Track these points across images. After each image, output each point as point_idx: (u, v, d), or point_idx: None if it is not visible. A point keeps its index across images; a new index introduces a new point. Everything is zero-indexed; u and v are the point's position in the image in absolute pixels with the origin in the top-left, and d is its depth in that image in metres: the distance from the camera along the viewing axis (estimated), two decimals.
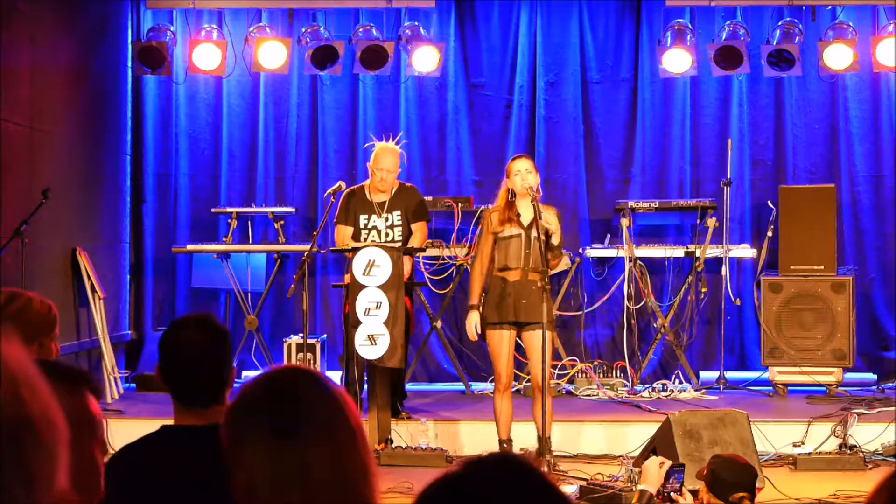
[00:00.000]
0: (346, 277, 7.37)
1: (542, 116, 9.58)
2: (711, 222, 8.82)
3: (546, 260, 6.50)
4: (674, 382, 8.75)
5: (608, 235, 9.35)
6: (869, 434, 7.24)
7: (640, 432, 7.21)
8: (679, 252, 9.05)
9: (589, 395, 8.64)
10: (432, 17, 9.51)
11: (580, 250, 9.23)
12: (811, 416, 7.56)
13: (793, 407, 8.14)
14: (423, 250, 8.06)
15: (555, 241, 6.60)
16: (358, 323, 6.96)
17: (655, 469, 4.52)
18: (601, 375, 8.89)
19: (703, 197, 9.26)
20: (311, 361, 8.35)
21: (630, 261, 8.92)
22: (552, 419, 6.63)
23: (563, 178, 9.58)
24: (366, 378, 7.32)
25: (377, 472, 1.80)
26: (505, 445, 6.78)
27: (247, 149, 9.70)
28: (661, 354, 9.30)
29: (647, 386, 8.76)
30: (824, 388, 8.56)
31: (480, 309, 6.76)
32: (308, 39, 9.22)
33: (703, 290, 8.90)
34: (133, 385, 8.89)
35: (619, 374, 8.97)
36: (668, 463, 4.58)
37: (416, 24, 9.32)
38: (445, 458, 6.93)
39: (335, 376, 8.17)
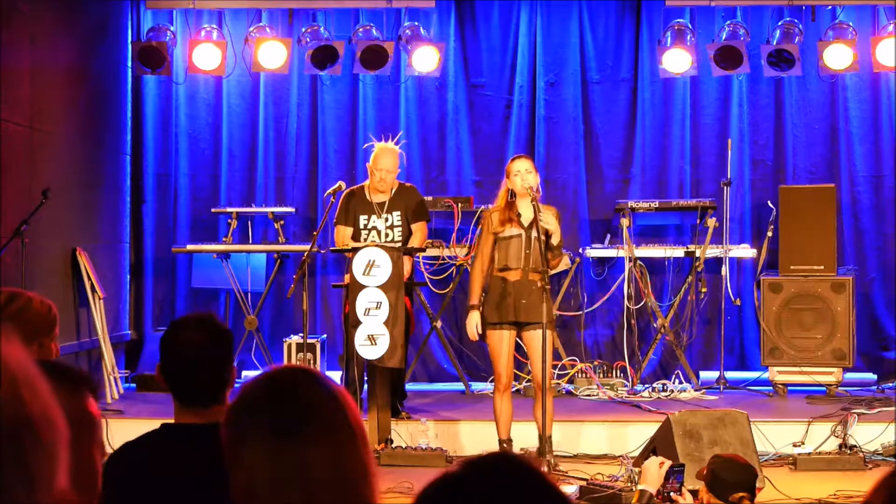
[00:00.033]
0: (346, 277, 7.37)
1: (542, 116, 9.58)
2: (711, 222, 8.82)
3: (546, 260, 6.50)
4: (674, 382, 8.75)
5: (608, 235, 9.35)
6: (869, 434, 7.24)
7: (640, 432, 7.22)
8: (679, 252, 9.05)
9: (589, 395, 8.64)
10: (432, 17, 9.51)
11: (580, 250, 9.23)
12: (811, 416, 7.56)
13: (793, 407, 8.14)
14: (423, 250, 8.06)
15: (554, 241, 6.60)
16: (358, 323, 6.96)
17: (655, 469, 4.52)
18: (601, 375, 8.90)
19: (703, 197, 9.26)
20: (311, 361, 8.35)
21: (630, 261, 8.92)
22: (553, 419, 6.64)
23: (563, 178, 9.58)
24: (366, 378, 7.31)
25: (377, 472, 1.80)
26: (505, 445, 6.78)
27: (247, 149, 9.70)
28: (661, 354, 9.30)
29: (647, 386, 8.76)
30: (824, 388, 8.56)
31: (481, 309, 6.76)
32: (308, 39, 9.22)
33: (703, 290, 8.90)
34: (133, 385, 8.89)
35: (619, 374, 8.97)
36: (668, 463, 4.58)
37: (416, 24, 9.33)
38: (445, 458, 6.93)
39: (335, 376, 8.17)
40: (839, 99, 9.42)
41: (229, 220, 9.28)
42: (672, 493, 4.50)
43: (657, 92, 9.57)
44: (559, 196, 9.40)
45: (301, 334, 8.05)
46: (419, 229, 7.78)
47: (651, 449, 6.31)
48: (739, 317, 9.45)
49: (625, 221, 8.92)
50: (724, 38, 9.12)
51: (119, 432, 5.19)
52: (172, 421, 2.87)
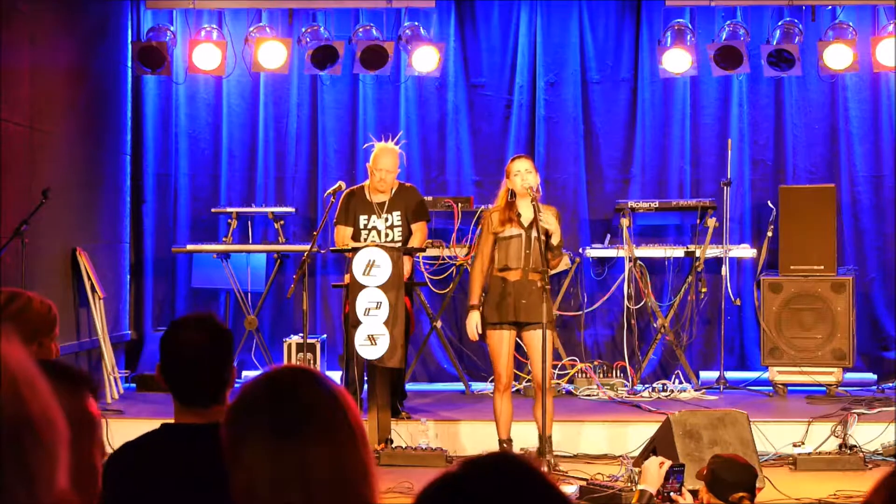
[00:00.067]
0: (346, 277, 7.37)
1: (542, 116, 9.58)
2: (711, 222, 8.82)
3: (546, 260, 6.50)
4: (674, 382, 8.75)
5: (608, 235, 9.35)
6: (869, 434, 7.24)
7: (640, 432, 7.22)
8: (679, 252, 9.05)
9: (589, 395, 8.65)
10: (432, 17, 9.51)
11: (580, 250, 9.23)
12: (811, 416, 7.56)
13: (793, 407, 8.14)
14: (423, 250, 8.06)
15: (554, 241, 6.60)
16: (358, 323, 6.96)
17: (655, 469, 4.52)
18: (601, 375, 8.90)
19: (703, 197, 9.26)
20: (311, 361, 8.35)
21: (630, 261, 8.92)
22: (553, 419, 6.64)
23: (563, 178, 9.58)
24: (366, 378, 7.31)
25: (377, 472, 1.80)
26: (505, 445, 6.78)
27: (247, 149, 9.70)
28: (661, 354, 9.30)
29: (647, 386, 8.76)
30: (824, 388, 8.56)
31: (481, 309, 6.76)
32: (308, 39, 9.22)
33: (703, 290, 8.90)
34: (133, 385, 8.89)
35: (619, 374, 8.97)
36: (668, 463, 4.58)
37: (416, 24, 9.33)
38: (445, 458, 6.93)
39: (335, 376, 8.17)
40: (839, 99, 9.42)
41: (229, 220, 9.28)
42: (672, 493, 4.50)
43: (657, 92, 9.57)
44: (559, 196, 9.40)
45: (301, 334, 8.05)
46: (419, 229, 7.78)
47: (651, 449, 6.31)
48: (739, 317, 9.45)
49: (625, 221, 8.92)
50: (724, 38, 9.12)
51: (119, 432, 5.19)
52: (172, 421, 2.87)
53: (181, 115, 9.66)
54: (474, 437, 7.40)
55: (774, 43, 9.06)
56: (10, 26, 7.47)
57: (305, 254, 7.43)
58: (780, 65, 8.97)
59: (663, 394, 8.55)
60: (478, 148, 9.66)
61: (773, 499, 6.12)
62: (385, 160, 7.66)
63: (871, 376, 9.06)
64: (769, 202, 9.07)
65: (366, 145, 8.80)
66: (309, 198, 9.68)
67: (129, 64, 9.42)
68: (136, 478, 2.75)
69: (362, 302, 6.95)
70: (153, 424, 2.91)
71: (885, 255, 9.34)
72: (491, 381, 7.78)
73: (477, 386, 8.95)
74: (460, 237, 8.91)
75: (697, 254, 8.88)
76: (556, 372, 8.64)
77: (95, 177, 8.95)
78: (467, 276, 7.34)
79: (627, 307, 8.98)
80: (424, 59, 9.10)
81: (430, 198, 8.77)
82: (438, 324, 8.99)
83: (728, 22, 9.23)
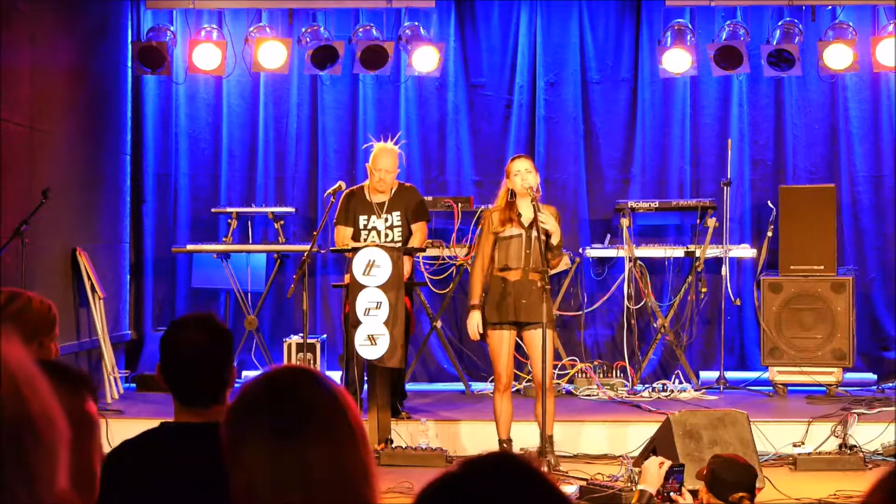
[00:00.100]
0: (346, 277, 7.37)
1: (542, 116, 9.58)
2: (711, 222, 8.82)
3: (546, 260, 6.50)
4: (674, 382, 8.75)
5: (608, 235, 9.35)
6: (869, 434, 7.24)
7: (640, 432, 7.22)
8: (679, 252, 9.05)
9: (589, 395, 8.65)
10: (432, 17, 9.51)
11: (580, 250, 9.23)
12: (811, 416, 7.56)
13: (793, 407, 8.14)
14: (423, 250, 8.06)
15: (554, 240, 6.60)
16: (358, 323, 6.96)
17: (655, 469, 4.52)
18: (601, 375, 8.90)
19: (703, 197, 9.26)
20: (311, 361, 8.35)
21: (630, 261, 8.92)
22: (554, 419, 6.65)
23: (563, 178, 9.58)
24: (366, 378, 7.31)
25: (377, 472, 1.80)
26: (505, 445, 6.78)
27: (247, 149, 9.70)
28: (661, 354, 9.30)
29: (647, 386, 8.76)
30: (824, 388, 8.56)
31: (481, 308, 6.76)
32: (308, 39, 9.22)
33: (703, 290, 8.90)
34: (133, 385, 8.89)
35: (619, 374, 8.97)
36: (668, 463, 4.58)
37: (416, 24, 9.32)
38: (445, 458, 6.93)
39: (335, 376, 8.17)
40: (839, 99, 9.42)
41: (229, 220, 9.28)
42: (672, 493, 4.50)
43: (657, 92, 9.57)
44: (559, 196, 9.40)
45: (301, 334, 8.05)
46: (419, 229, 7.78)
47: (651, 449, 6.31)
48: (739, 317, 9.45)
49: (625, 221, 8.93)
50: (724, 38, 9.12)
51: (119, 432, 5.18)
52: (172, 420, 2.87)
53: (181, 115, 9.66)
54: (474, 437, 7.40)
55: (774, 43, 9.06)
56: (10, 26, 7.47)
57: (305, 254, 7.43)
58: (780, 65, 8.97)
59: (663, 394, 8.55)
60: (478, 148, 9.66)
61: (773, 499, 6.12)
62: (384, 160, 7.66)
63: (871, 376, 9.06)
64: (769, 202, 9.07)
65: (365, 145, 8.80)
66: (309, 198, 9.67)
67: (129, 64, 9.42)
68: (135, 476, 2.75)
69: (362, 302, 6.95)
70: (153, 424, 2.91)
71: (885, 255, 9.34)
72: (491, 381, 7.78)
73: (477, 386, 8.95)
74: (460, 237, 8.91)
75: (697, 254, 8.88)
76: (556, 372, 8.64)
77: (95, 177, 8.95)
78: (467, 276, 7.34)
79: (627, 307, 8.98)
80: (424, 59, 9.10)
81: (430, 198, 8.77)
82: (438, 324, 8.99)
83: (728, 22, 9.23)
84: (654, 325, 9.11)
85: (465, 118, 9.64)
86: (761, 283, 8.79)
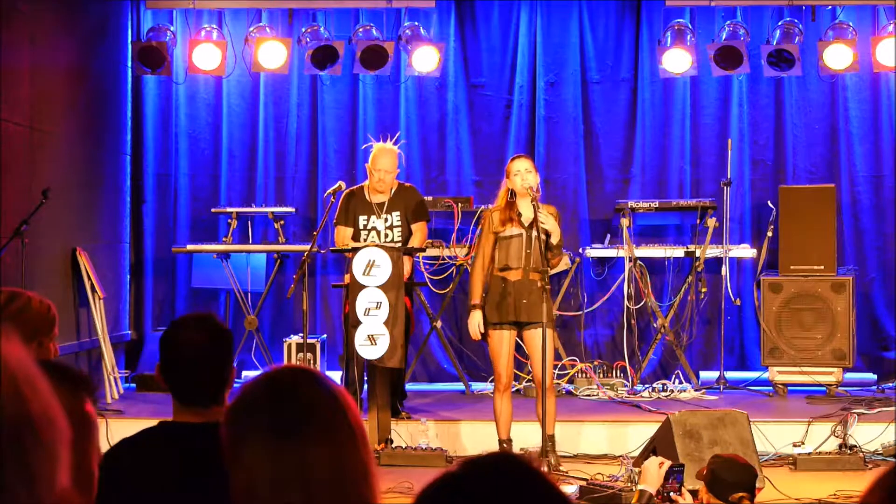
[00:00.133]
0: (346, 277, 7.37)
1: (542, 116, 9.58)
2: (711, 222, 8.82)
3: (546, 259, 6.50)
4: (674, 382, 8.75)
5: (608, 235, 9.35)
6: (869, 434, 7.24)
7: (640, 432, 7.22)
8: (679, 252, 9.05)
9: (589, 395, 8.65)
10: (432, 17, 9.51)
11: (580, 250, 9.23)
12: (811, 416, 7.56)
13: (793, 407, 8.14)
14: (423, 250, 8.06)
15: (554, 240, 6.60)
16: (358, 323, 6.96)
17: (655, 469, 4.52)
18: (601, 375, 8.90)
19: (703, 197, 9.26)
20: (311, 361, 8.35)
21: (630, 261, 8.92)
22: (555, 418, 6.66)
23: (563, 178, 9.58)
24: (366, 378, 7.31)
25: (377, 472, 1.80)
26: (505, 445, 6.78)
27: (247, 149, 9.70)
28: (661, 354, 9.30)
29: (647, 386, 8.76)
30: (824, 388, 8.56)
31: (482, 308, 6.76)
32: (308, 39, 9.22)
33: (703, 290, 8.90)
34: (133, 385, 8.89)
35: (619, 374, 8.97)
36: (668, 463, 4.58)
37: (416, 24, 9.32)
38: (445, 458, 6.93)
39: (335, 376, 8.17)
40: (839, 99, 9.42)
41: (229, 220, 9.28)
42: (672, 493, 4.50)
43: (657, 92, 9.57)
44: (559, 196, 9.40)
45: (301, 334, 8.05)
46: (419, 229, 7.78)
47: (651, 449, 6.31)
48: (739, 317, 9.45)
49: (625, 221, 8.92)
50: (724, 38, 9.12)
51: (119, 432, 5.17)
52: (171, 420, 2.87)
53: (181, 115, 9.66)
54: (474, 437, 7.40)
55: (774, 43, 9.06)
56: (10, 26, 7.47)
57: (305, 254, 7.43)
58: (780, 65, 8.97)
59: (663, 394, 8.55)
60: (478, 148, 9.66)
61: (773, 499, 6.12)
62: (384, 160, 7.66)
63: (871, 376, 9.06)
64: (769, 202, 9.07)
65: (365, 146, 8.80)
66: (309, 198, 9.68)
67: (129, 64, 9.42)
68: (133, 474, 2.75)
69: (362, 302, 6.95)
70: (153, 424, 2.91)
71: (885, 255, 9.34)
72: (491, 381, 7.78)
73: (477, 386, 8.95)
74: (460, 237, 8.91)
75: (697, 254, 8.88)
76: (556, 372, 8.64)
77: (95, 177, 8.95)
78: (467, 276, 7.34)
79: (627, 307, 8.98)
80: (424, 59, 9.10)
81: (430, 198, 8.77)
82: (438, 324, 8.99)
83: (728, 22, 9.23)
84: (654, 325, 9.11)
85: (465, 118, 9.64)
86: (761, 283, 8.79)
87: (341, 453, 1.74)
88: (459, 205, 8.96)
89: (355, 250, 7.09)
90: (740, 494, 4.41)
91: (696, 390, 8.63)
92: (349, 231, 7.75)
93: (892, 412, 7.41)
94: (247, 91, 9.67)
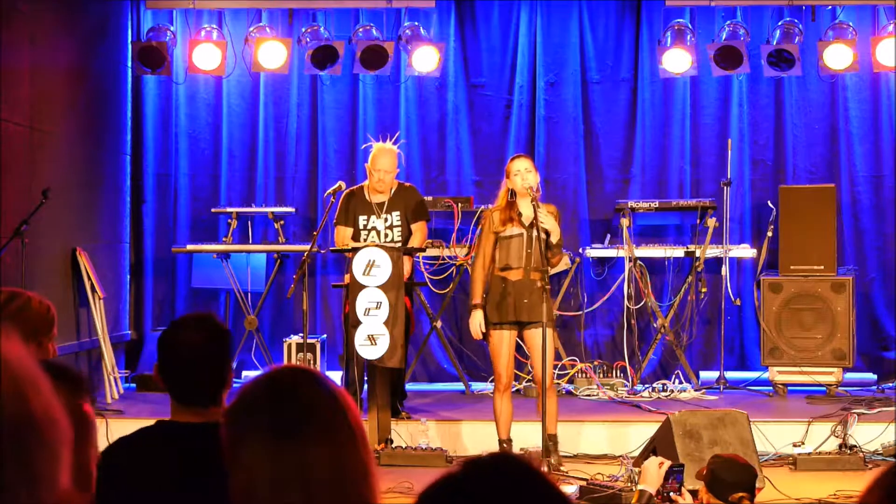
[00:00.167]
0: (346, 277, 7.37)
1: (542, 116, 9.58)
2: (711, 222, 8.82)
3: (546, 259, 6.50)
4: (674, 382, 8.75)
5: (608, 235, 9.35)
6: (869, 434, 7.24)
7: (640, 432, 7.22)
8: (679, 252, 9.05)
9: (589, 395, 8.65)
10: (432, 17, 9.50)
11: (580, 250, 9.23)
12: (811, 416, 7.56)
13: (793, 407, 8.14)
14: (423, 250, 8.06)
15: (554, 238, 6.60)
16: (358, 323, 6.96)
17: (655, 469, 4.52)
18: (601, 375, 8.90)
19: (703, 197, 9.26)
20: (311, 361, 8.35)
21: (630, 261, 8.92)
22: (557, 418, 6.66)
23: (563, 178, 9.58)
24: (366, 378, 7.31)
25: (377, 472, 1.80)
26: (505, 445, 6.78)
27: (247, 149, 9.70)
28: (661, 354, 9.30)
29: (647, 386, 8.76)
30: (824, 388, 8.56)
31: (484, 307, 6.76)
32: (308, 39, 9.22)
33: (703, 290, 8.90)
34: (133, 385, 8.89)
35: (619, 374, 8.97)
36: (668, 463, 4.58)
37: (416, 24, 9.32)
38: (445, 458, 6.93)
39: (335, 376, 8.17)
40: (839, 99, 9.42)
41: (229, 220, 9.28)
42: (672, 493, 4.50)
43: (657, 92, 9.57)
44: (559, 196, 9.39)
45: (301, 334, 8.05)
46: (419, 229, 7.78)
47: (651, 449, 6.31)
48: (739, 317, 9.45)
49: (625, 221, 8.93)
50: (724, 38, 9.12)
51: (119, 432, 5.16)
52: (168, 419, 2.87)
53: (181, 115, 9.66)
54: (474, 437, 7.40)
55: (774, 43, 9.06)
56: (10, 26, 7.47)
57: (305, 254, 7.43)
58: (780, 65, 8.97)
59: (663, 394, 8.55)
60: (478, 148, 9.66)
61: (773, 499, 6.12)
62: (383, 160, 7.66)
63: (871, 376, 9.06)
64: (769, 202, 9.07)
65: (364, 145, 8.80)
66: (309, 198, 9.67)
67: (129, 64, 9.42)
68: (130, 473, 2.74)
69: (362, 302, 6.95)
70: (151, 424, 2.91)
71: (885, 255, 9.34)
72: (491, 381, 7.79)
73: (477, 386, 8.95)
74: (460, 237, 8.91)
75: (697, 254, 8.88)
76: (556, 372, 8.64)
77: (95, 177, 8.95)
78: (467, 276, 7.34)
79: (627, 307, 8.98)
80: (424, 59, 9.10)
81: (430, 198, 8.77)
82: (438, 324, 8.99)
83: (728, 22, 9.23)
84: (654, 325, 9.11)
85: (465, 118, 9.64)
86: (761, 283, 8.79)
87: (341, 453, 1.74)
88: (459, 205, 8.96)
89: (355, 250, 7.09)
90: (740, 494, 4.41)
91: (696, 390, 8.63)
92: (349, 231, 7.75)
93: (892, 412, 7.41)
94: (247, 91, 9.67)
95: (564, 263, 8.64)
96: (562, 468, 6.64)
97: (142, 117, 9.61)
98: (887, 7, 9.12)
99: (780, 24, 9.19)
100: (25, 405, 1.14)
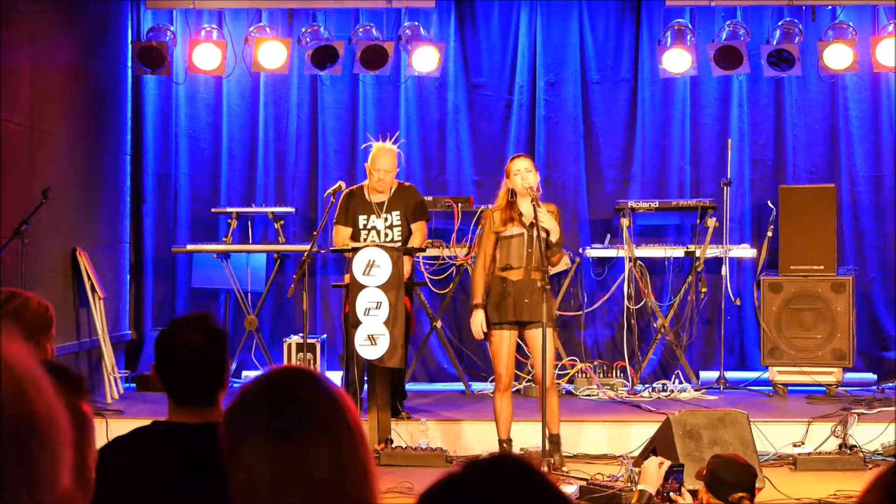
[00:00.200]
0: (346, 277, 7.37)
1: (542, 116, 9.58)
2: (711, 222, 8.82)
3: (547, 258, 6.50)
4: (674, 382, 8.75)
5: (608, 235, 9.35)
6: (869, 434, 7.24)
7: (640, 432, 7.22)
8: (679, 252, 9.05)
9: (589, 395, 8.65)
10: (432, 17, 9.51)
11: (580, 250, 9.23)
12: (811, 416, 7.56)
13: (793, 407, 8.14)
14: (423, 250, 8.06)
15: (553, 238, 6.61)
16: (358, 323, 6.96)
17: (655, 469, 4.52)
18: (601, 375, 8.90)
19: (703, 197, 9.26)
20: (311, 361, 8.35)
21: (630, 261, 8.92)
22: (559, 417, 6.66)
23: (563, 178, 9.58)
24: (366, 378, 7.32)
25: (377, 472, 1.81)
26: (505, 445, 6.78)
27: (247, 149, 9.70)
28: (661, 354, 9.30)
29: (647, 386, 8.76)
30: (824, 388, 8.56)
31: (485, 307, 6.76)
32: (308, 39, 9.22)
33: (703, 290, 8.90)
34: (133, 385, 8.89)
35: (619, 374, 8.97)
36: (668, 463, 4.58)
37: (416, 24, 9.32)
38: (445, 458, 6.93)
39: (335, 376, 8.17)
40: (839, 99, 9.42)
41: (229, 220, 9.28)
42: (672, 493, 4.50)
43: (657, 92, 9.57)
44: (559, 196, 9.39)
45: (301, 334, 8.05)
46: (419, 229, 7.78)
47: (651, 449, 6.31)
48: (739, 317, 9.45)
49: (625, 221, 8.93)
50: (724, 38, 9.12)
51: (118, 432, 5.18)
52: (164, 419, 2.87)
53: (181, 115, 9.66)
54: (474, 437, 7.40)
55: (774, 43, 9.06)
56: (10, 26, 7.47)
57: (305, 254, 7.43)
58: (780, 65, 8.97)
59: (663, 394, 8.55)
60: (478, 148, 9.66)
61: (773, 499, 6.12)
62: (383, 160, 7.66)
63: (871, 376, 9.06)
64: (769, 202, 9.07)
65: (364, 145, 8.80)
66: (309, 198, 9.68)
67: (129, 64, 9.42)
68: (127, 472, 2.74)
69: (362, 302, 6.95)
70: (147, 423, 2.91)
71: (885, 255, 9.34)
72: (491, 381, 7.79)
73: (477, 386, 8.95)
74: (460, 237, 8.91)
75: (697, 254, 8.88)
76: (557, 372, 8.63)
77: (95, 177, 8.95)
78: (467, 276, 7.35)
79: (627, 307, 8.98)
80: (424, 59, 9.10)
81: (430, 198, 8.77)
82: (438, 324, 8.99)
83: (728, 22, 9.23)
84: (654, 325, 9.11)
85: (465, 118, 9.64)
86: (761, 283, 8.79)
87: (341, 453, 1.74)
88: (459, 205, 8.96)
89: (355, 250, 7.09)
90: (740, 494, 4.42)
91: (696, 390, 8.63)
92: (349, 231, 7.75)
93: (892, 412, 7.42)
94: (247, 91, 9.67)
95: (564, 263, 8.64)
96: (564, 468, 6.63)
97: (142, 117, 9.61)
98: (887, 7, 9.12)
99: (780, 24, 9.19)
100: (27, 405, 1.14)
